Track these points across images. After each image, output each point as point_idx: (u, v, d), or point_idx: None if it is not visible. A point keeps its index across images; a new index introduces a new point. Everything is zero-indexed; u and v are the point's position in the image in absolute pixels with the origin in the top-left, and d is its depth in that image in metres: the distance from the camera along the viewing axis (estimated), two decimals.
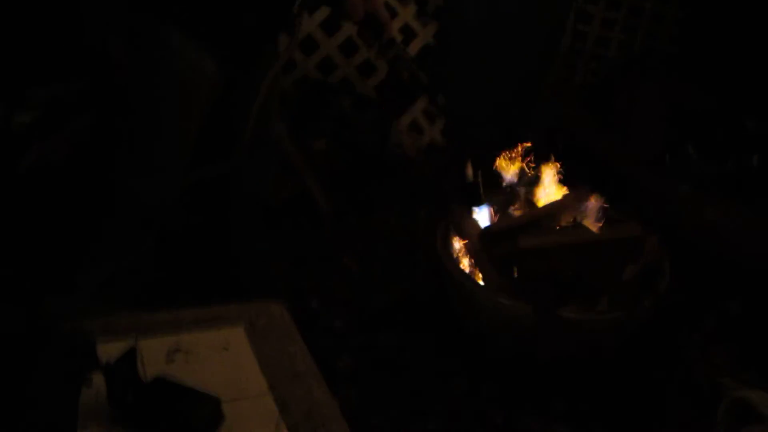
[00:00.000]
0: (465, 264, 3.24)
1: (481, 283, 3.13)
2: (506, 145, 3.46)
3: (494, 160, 3.43)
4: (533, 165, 3.44)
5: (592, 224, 3.26)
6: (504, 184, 3.43)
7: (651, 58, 5.51)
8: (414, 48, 5.15)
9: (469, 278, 3.12)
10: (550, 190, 3.41)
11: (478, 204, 3.28)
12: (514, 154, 3.44)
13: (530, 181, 3.44)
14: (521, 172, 3.44)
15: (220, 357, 1.71)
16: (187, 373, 1.62)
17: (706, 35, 5.08)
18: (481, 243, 3.18)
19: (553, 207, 3.31)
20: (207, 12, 2.66)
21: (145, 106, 2.81)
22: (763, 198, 3.78)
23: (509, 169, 3.43)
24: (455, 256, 3.26)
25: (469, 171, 3.27)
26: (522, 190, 3.45)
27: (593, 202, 3.36)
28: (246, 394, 1.62)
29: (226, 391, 1.59)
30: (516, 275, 3.10)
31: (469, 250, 3.22)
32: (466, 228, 3.24)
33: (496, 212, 3.32)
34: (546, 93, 5.39)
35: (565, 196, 3.33)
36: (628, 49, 6.07)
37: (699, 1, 5.33)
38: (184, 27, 2.66)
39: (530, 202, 3.43)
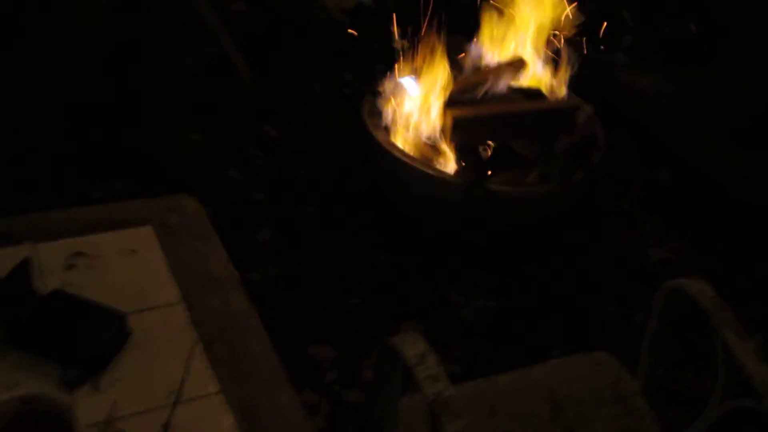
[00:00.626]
0: (393, 134, 3.09)
1: (409, 152, 2.99)
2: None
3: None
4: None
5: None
6: None
7: None
8: None
9: (396, 147, 2.97)
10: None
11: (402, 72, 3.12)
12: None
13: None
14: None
15: (126, 261, 1.52)
16: (89, 281, 1.44)
17: None
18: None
19: (487, 74, 3.16)
20: None
21: None
22: (699, 66, 3.68)
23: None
24: (383, 125, 3.10)
25: (396, 33, 3.11)
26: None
27: (527, 70, 3.24)
28: (156, 304, 1.44)
29: (134, 301, 1.41)
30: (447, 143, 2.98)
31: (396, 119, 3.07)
32: (394, 95, 3.08)
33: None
34: None
35: (500, 64, 3.18)
36: None
37: None
38: None
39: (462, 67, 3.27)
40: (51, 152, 2.86)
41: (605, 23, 3.67)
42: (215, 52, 3.77)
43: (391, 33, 3.12)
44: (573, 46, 3.27)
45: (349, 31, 4.10)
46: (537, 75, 3.23)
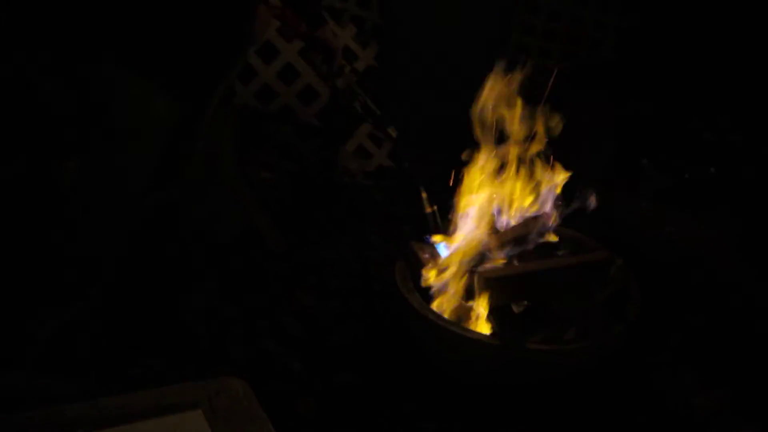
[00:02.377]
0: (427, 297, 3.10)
1: (445, 315, 3.00)
2: (456, 164, 3.35)
3: (449, 181, 3.31)
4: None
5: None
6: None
7: (595, 69, 5.46)
8: (358, 72, 5.03)
9: (431, 311, 2.99)
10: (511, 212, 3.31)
11: (438, 233, 3.17)
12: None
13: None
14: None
15: None
16: None
17: (651, 44, 5.04)
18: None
19: (515, 232, 3.20)
20: (158, 50, 2.53)
21: (94, 152, 2.67)
22: (722, 208, 3.72)
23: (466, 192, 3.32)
24: (415, 289, 3.12)
25: (425, 200, 3.16)
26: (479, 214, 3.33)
27: (552, 223, 3.28)
28: None
29: None
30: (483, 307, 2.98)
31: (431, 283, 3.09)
32: (426, 261, 3.12)
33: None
34: None
35: (526, 220, 3.22)
36: (572, 60, 6.03)
37: (645, 9, 5.28)
38: (133, 66, 2.52)
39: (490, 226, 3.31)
40: (87, 331, 2.88)
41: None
42: (245, 223, 3.84)
43: (421, 199, 3.17)
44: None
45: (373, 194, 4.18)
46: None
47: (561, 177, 3.25)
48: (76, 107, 2.66)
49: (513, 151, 3.23)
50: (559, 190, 3.17)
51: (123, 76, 2.52)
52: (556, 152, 3.23)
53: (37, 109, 3.40)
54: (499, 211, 3.30)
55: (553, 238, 3.24)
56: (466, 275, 3.04)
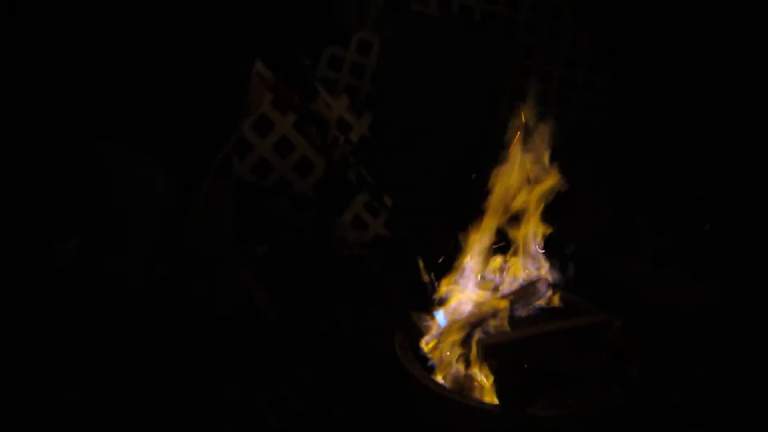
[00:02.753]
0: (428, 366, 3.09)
1: (446, 384, 2.99)
2: (453, 231, 3.36)
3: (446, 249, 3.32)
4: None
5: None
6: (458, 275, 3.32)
7: (589, 133, 5.52)
8: (352, 142, 5.09)
9: (433, 381, 2.97)
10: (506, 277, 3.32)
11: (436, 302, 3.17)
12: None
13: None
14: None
15: None
16: None
17: (643, 104, 5.11)
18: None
19: (511, 297, 3.20)
20: (154, 124, 2.57)
21: (90, 225, 2.69)
22: (719, 265, 3.73)
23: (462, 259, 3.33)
24: (415, 358, 3.11)
25: (422, 269, 3.16)
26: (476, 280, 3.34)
27: (549, 287, 3.27)
28: None
29: None
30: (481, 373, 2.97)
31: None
32: (425, 330, 3.11)
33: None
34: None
35: (524, 285, 3.22)
36: (566, 122, 6.09)
37: (633, 70, 5.36)
38: (131, 142, 2.55)
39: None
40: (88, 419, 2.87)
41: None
42: (244, 297, 3.85)
43: (417, 267, 3.18)
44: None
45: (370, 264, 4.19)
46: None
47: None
48: (75, 186, 2.68)
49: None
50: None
51: (121, 153, 2.55)
52: (554, 214, 3.24)
53: (37, 188, 3.43)
54: (497, 277, 3.31)
55: (551, 302, 3.25)
56: (466, 343, 3.03)
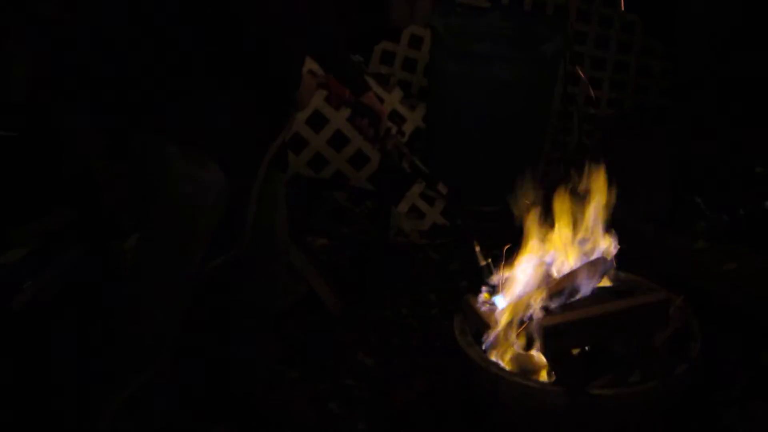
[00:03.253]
0: (487, 350, 3.10)
1: (506, 366, 3.00)
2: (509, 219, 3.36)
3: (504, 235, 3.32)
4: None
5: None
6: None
7: (644, 113, 5.47)
8: (404, 133, 5.11)
9: (493, 363, 2.98)
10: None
11: (492, 287, 3.18)
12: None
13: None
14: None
15: None
16: None
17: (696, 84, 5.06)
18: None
19: (572, 278, 3.19)
20: (207, 122, 2.61)
21: (147, 224, 2.75)
22: None
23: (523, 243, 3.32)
24: (475, 342, 3.12)
25: (479, 254, 3.17)
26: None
27: (608, 267, 3.26)
28: None
29: None
30: (542, 354, 2.97)
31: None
32: (484, 315, 3.12)
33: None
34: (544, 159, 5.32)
35: (582, 266, 3.21)
36: (619, 106, 6.05)
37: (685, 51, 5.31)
38: (182, 137, 2.61)
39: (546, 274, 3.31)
40: (153, 407, 2.93)
41: None
42: (304, 289, 3.89)
43: (474, 253, 3.18)
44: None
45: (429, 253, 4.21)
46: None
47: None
48: (131, 186, 2.75)
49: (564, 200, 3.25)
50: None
51: (174, 149, 2.61)
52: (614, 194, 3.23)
53: (94, 190, 3.53)
54: (554, 258, 3.30)
55: (611, 281, 3.23)
56: (525, 324, 3.03)
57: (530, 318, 3.02)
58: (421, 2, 6.09)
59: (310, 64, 3.00)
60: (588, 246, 3.27)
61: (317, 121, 4.94)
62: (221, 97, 2.62)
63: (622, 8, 6.21)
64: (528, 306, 3.06)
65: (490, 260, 3.17)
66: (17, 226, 3.53)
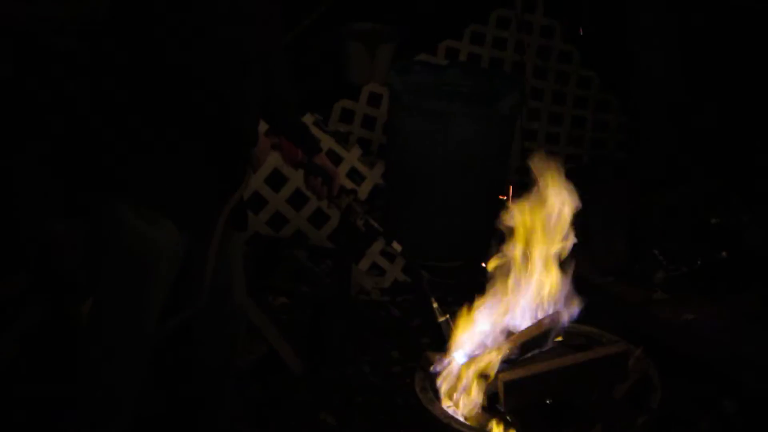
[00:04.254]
0: (449, 406, 3.08)
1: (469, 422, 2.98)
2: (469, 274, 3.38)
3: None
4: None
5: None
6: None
7: (601, 166, 5.54)
8: (364, 190, 5.14)
9: (455, 419, 2.96)
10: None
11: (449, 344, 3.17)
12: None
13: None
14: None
15: None
16: None
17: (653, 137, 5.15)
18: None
19: (531, 332, 3.19)
20: (159, 179, 2.61)
21: (101, 285, 2.73)
22: (737, 291, 3.73)
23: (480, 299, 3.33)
24: (436, 398, 3.11)
25: (437, 310, 3.17)
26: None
27: (567, 320, 3.27)
28: None
29: None
30: (503, 410, 2.96)
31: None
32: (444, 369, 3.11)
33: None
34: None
35: (540, 320, 3.22)
36: (577, 160, 6.12)
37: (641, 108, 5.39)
38: (134, 195, 2.60)
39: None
40: None
41: None
42: (265, 348, 3.87)
43: (433, 309, 3.18)
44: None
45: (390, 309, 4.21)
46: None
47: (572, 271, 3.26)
48: (87, 246, 2.73)
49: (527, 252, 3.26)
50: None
51: (125, 206, 2.60)
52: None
53: (54, 253, 3.50)
54: (513, 313, 3.30)
55: (569, 335, 3.24)
56: (486, 380, 3.03)
57: (490, 374, 3.02)
58: (380, 60, 6.17)
59: (262, 126, 3.02)
60: (547, 299, 3.28)
61: (276, 180, 4.95)
62: (174, 153, 2.62)
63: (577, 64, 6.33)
64: (488, 361, 3.06)
65: (448, 316, 3.16)
66: None
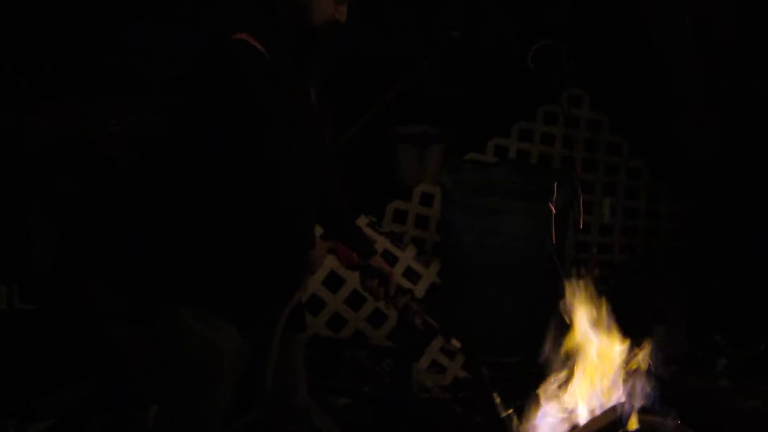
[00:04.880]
0: None
1: None
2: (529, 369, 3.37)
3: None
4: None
5: None
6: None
7: (656, 256, 5.52)
8: (421, 289, 5.18)
9: None
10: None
11: None
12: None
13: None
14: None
15: None
16: None
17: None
18: None
19: (596, 424, 3.17)
20: (219, 285, 2.67)
21: (166, 390, 2.78)
22: None
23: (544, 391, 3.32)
24: None
25: (500, 405, 3.16)
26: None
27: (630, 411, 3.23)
28: None
29: None
30: None
31: None
32: None
33: None
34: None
35: (605, 412, 3.19)
36: (631, 251, 6.11)
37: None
38: (194, 301, 2.66)
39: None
40: None
41: None
42: None
43: (495, 405, 3.18)
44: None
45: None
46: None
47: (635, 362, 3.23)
48: (150, 353, 2.80)
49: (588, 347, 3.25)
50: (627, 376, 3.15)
51: (186, 313, 2.67)
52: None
53: (118, 360, 3.58)
54: (578, 406, 3.29)
55: (633, 426, 3.20)
56: None
57: None
58: (430, 161, 6.28)
59: (318, 230, 3.10)
60: (610, 391, 3.26)
61: (334, 281, 5.01)
62: (233, 258, 2.69)
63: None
64: None
65: (511, 411, 3.15)
66: (42, 397, 3.56)
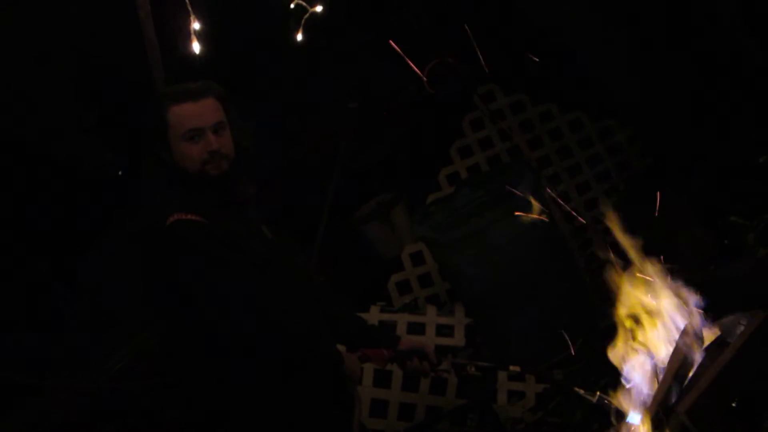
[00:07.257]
0: None
1: None
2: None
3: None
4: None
5: None
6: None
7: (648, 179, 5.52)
8: (459, 337, 5.15)
9: None
10: None
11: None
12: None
13: None
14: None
15: None
16: None
17: None
18: None
19: (675, 360, 3.14)
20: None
21: None
22: None
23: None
24: None
25: (586, 395, 3.14)
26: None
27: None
28: None
29: None
30: None
31: None
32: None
33: None
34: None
35: (677, 347, 3.17)
36: (616, 192, 6.13)
37: None
38: None
39: None
40: None
41: None
42: None
43: (583, 397, 3.16)
44: None
45: None
46: None
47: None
48: None
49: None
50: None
51: None
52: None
53: None
54: (652, 351, 3.27)
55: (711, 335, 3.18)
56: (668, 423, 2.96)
57: (669, 411, 2.95)
58: (400, 224, 6.29)
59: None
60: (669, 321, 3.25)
61: (383, 378, 4.97)
62: (282, 404, 2.71)
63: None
64: (658, 402, 3.00)
65: (599, 393, 3.14)
66: None
